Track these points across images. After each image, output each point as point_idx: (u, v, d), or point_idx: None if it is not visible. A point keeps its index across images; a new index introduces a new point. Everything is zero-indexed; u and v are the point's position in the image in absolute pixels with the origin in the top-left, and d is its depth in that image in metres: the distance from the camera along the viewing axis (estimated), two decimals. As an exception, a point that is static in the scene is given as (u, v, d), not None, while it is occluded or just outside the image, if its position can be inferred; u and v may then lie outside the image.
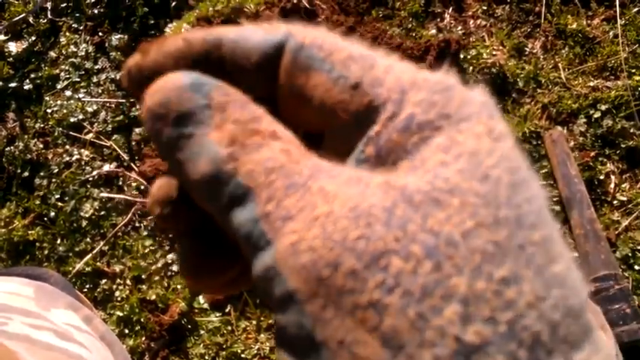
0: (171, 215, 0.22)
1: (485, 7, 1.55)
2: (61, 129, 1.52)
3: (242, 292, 1.33)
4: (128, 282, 1.37)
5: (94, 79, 1.57)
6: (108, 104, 1.53)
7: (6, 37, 1.64)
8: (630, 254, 1.31)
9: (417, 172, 0.17)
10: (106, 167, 1.46)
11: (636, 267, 1.30)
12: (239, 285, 0.24)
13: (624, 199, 1.36)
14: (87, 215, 1.42)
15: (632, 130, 1.40)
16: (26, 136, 1.52)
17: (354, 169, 0.18)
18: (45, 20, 1.65)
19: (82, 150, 1.49)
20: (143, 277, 1.37)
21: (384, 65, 0.19)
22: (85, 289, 1.37)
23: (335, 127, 0.20)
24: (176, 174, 0.19)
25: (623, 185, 1.38)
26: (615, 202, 1.37)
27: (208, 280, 0.22)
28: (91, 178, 1.46)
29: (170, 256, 1.38)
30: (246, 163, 0.18)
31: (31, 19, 1.65)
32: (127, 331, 1.32)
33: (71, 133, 1.51)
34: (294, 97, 0.21)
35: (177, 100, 0.19)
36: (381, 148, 0.18)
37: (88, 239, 1.41)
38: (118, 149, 1.48)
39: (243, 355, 1.29)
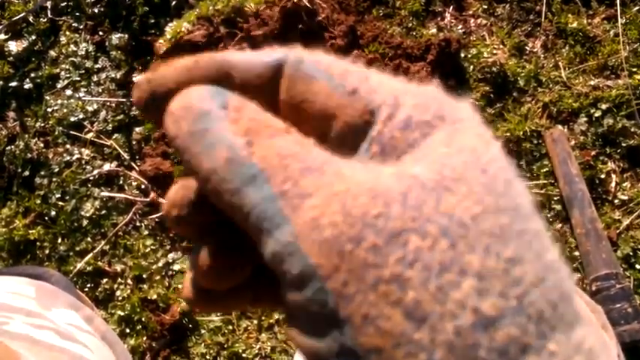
0: (188, 218, 0.22)
1: (485, 6, 1.55)
2: (61, 128, 1.52)
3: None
4: (129, 281, 1.37)
5: (95, 79, 1.57)
6: (108, 103, 1.53)
7: (6, 36, 1.64)
8: (631, 253, 1.31)
9: (424, 162, 0.18)
10: (107, 166, 1.46)
11: (637, 266, 1.30)
12: (242, 298, 0.24)
13: (625, 198, 1.36)
14: (88, 214, 1.42)
15: (632, 129, 1.40)
16: (27, 136, 1.52)
17: (364, 163, 0.19)
18: (45, 19, 1.64)
19: (83, 149, 1.49)
20: (144, 276, 1.37)
21: (377, 78, 0.21)
22: (86, 289, 1.37)
23: (335, 132, 0.21)
24: (192, 169, 0.20)
25: (624, 184, 1.38)
26: (616, 201, 1.36)
27: (218, 281, 0.22)
28: (91, 178, 1.46)
29: (171, 256, 1.38)
30: (261, 150, 0.19)
31: (31, 18, 1.65)
32: (128, 330, 1.32)
33: (72, 132, 1.51)
34: (296, 105, 0.22)
35: (197, 103, 0.20)
36: (385, 145, 0.19)
37: (88, 238, 1.41)
38: (118, 148, 1.48)
39: (244, 355, 1.29)
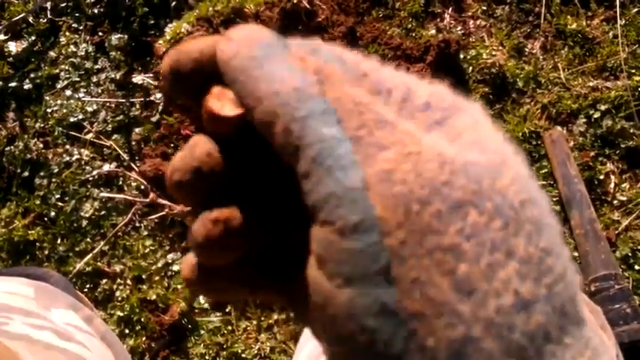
0: (191, 183, 0.21)
1: (484, 8, 1.55)
2: (61, 129, 1.52)
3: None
4: (128, 282, 1.37)
5: (94, 79, 1.57)
6: (108, 104, 1.53)
7: (6, 37, 1.64)
8: (630, 254, 1.31)
9: (464, 141, 0.18)
10: (106, 167, 1.46)
11: (636, 267, 1.30)
12: (242, 281, 0.23)
13: (624, 198, 1.37)
14: (87, 215, 1.42)
15: (631, 130, 1.41)
16: (26, 136, 1.52)
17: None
18: (45, 20, 1.65)
19: (82, 150, 1.49)
20: (143, 277, 1.37)
21: (391, 71, 0.20)
22: (86, 289, 1.37)
23: None
24: (245, 92, 0.19)
25: (623, 185, 1.38)
26: (615, 201, 1.37)
27: (219, 251, 0.21)
28: (91, 178, 1.46)
29: (170, 256, 1.38)
30: (334, 91, 0.18)
31: (30, 19, 1.65)
32: (127, 331, 1.32)
33: (71, 132, 1.51)
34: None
35: (259, 35, 0.19)
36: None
37: (88, 239, 1.41)
38: (118, 149, 1.48)
39: (243, 355, 1.29)
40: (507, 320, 0.16)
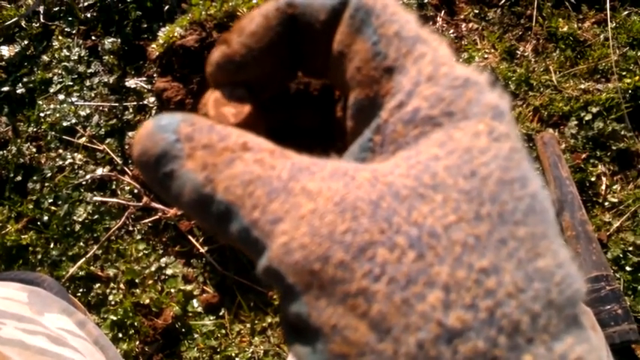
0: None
1: (477, 11, 1.56)
2: (54, 133, 1.51)
3: (236, 295, 1.33)
4: (122, 286, 1.37)
5: (87, 83, 1.56)
6: (101, 108, 1.53)
7: (-2, 41, 1.64)
8: (621, 255, 1.32)
9: (406, 165, 0.18)
10: (99, 171, 1.46)
11: (627, 268, 1.31)
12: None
13: (615, 200, 1.37)
14: (80, 219, 1.42)
15: (622, 132, 1.42)
16: (19, 140, 1.51)
17: (338, 162, 0.19)
18: (37, 24, 1.64)
19: (75, 154, 1.49)
20: (137, 281, 1.37)
21: (419, 52, 0.20)
22: (79, 294, 1.37)
23: (356, 99, 0.21)
24: (175, 206, 0.21)
25: (614, 187, 1.39)
26: (606, 203, 1.38)
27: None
28: (84, 182, 1.46)
29: (164, 260, 1.38)
30: (222, 181, 0.19)
31: (23, 23, 1.65)
32: (120, 335, 1.32)
33: (64, 137, 1.51)
34: (339, 54, 0.21)
35: (152, 144, 0.20)
36: (386, 136, 0.19)
37: (81, 243, 1.41)
38: (111, 153, 1.47)
39: (237, 359, 1.29)
40: (432, 353, 0.16)
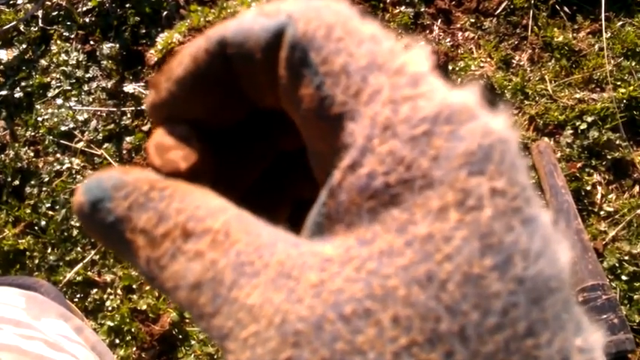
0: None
1: (473, 20, 1.57)
2: (51, 137, 1.52)
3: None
4: (119, 292, 1.37)
5: (85, 88, 1.57)
6: (99, 113, 1.53)
7: (-3, 46, 1.64)
8: (617, 264, 1.32)
9: (360, 258, 0.16)
10: (97, 176, 1.46)
11: (623, 277, 1.32)
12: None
13: (611, 209, 1.38)
14: (78, 224, 1.42)
15: (617, 142, 1.43)
16: (17, 145, 1.51)
17: (285, 248, 0.17)
18: (36, 28, 1.65)
19: (73, 159, 1.49)
20: (134, 286, 1.37)
21: (372, 88, 0.16)
22: (76, 299, 1.37)
23: (311, 151, 0.19)
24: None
25: (610, 196, 1.40)
26: (602, 212, 1.38)
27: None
28: (81, 187, 1.46)
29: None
30: (167, 281, 0.18)
31: (22, 27, 1.65)
32: (117, 341, 1.32)
33: (62, 141, 1.51)
34: (285, 97, 0.18)
35: (91, 225, 0.19)
36: (340, 204, 0.16)
37: (78, 248, 1.41)
38: (109, 158, 1.48)
39: (233, 365, 1.28)
40: None
